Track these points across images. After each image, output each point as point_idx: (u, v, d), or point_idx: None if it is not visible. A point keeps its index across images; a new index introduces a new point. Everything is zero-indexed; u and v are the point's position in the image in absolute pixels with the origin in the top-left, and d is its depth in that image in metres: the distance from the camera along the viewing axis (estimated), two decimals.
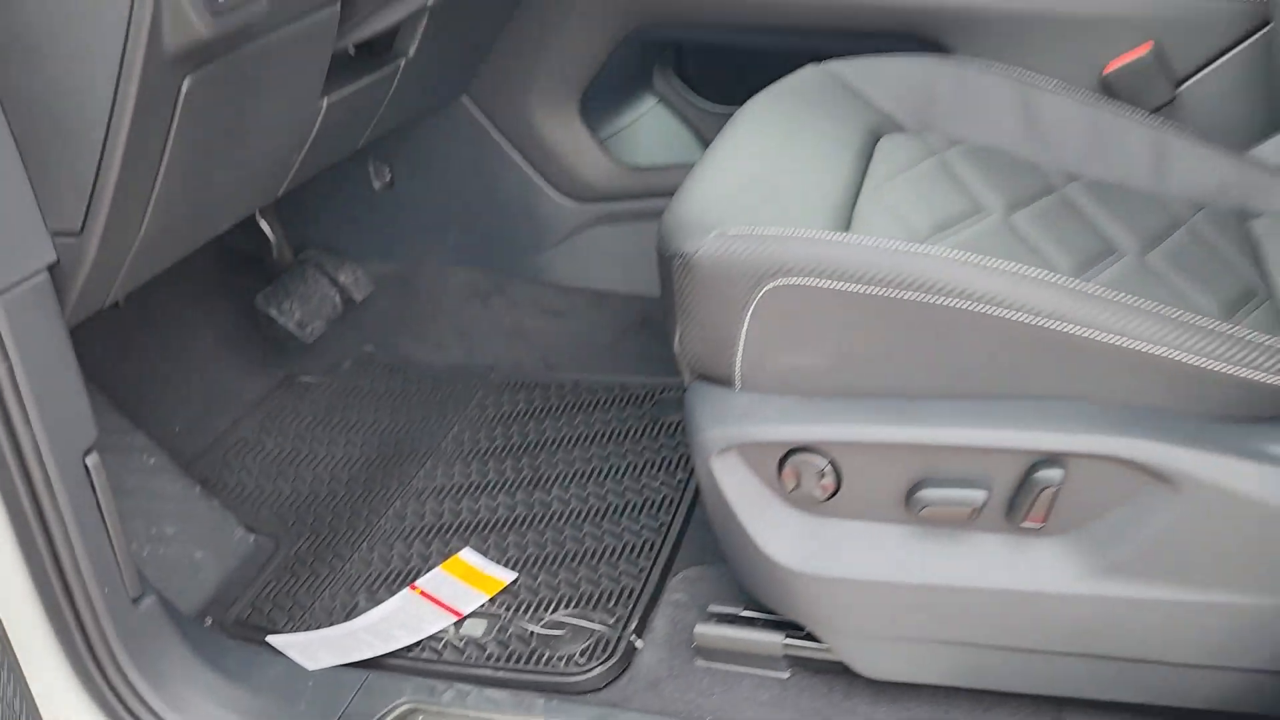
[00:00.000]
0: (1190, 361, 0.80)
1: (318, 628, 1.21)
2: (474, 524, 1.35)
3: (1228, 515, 0.79)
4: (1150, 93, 1.29)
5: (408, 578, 1.28)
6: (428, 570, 1.29)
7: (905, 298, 0.83)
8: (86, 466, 0.89)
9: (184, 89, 0.84)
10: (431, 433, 1.54)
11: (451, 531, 1.35)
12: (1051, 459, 0.82)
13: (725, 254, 0.89)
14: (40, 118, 0.81)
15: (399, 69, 1.28)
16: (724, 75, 1.76)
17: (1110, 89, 1.30)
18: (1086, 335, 0.81)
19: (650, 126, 1.71)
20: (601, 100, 1.63)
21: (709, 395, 0.94)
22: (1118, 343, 0.81)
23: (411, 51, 1.29)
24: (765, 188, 1.02)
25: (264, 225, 1.55)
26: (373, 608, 1.24)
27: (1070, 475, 0.82)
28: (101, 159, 0.82)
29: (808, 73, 1.29)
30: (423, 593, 1.25)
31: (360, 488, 1.45)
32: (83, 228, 0.86)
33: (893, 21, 1.38)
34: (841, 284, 0.85)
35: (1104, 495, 0.82)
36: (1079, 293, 0.83)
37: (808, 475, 0.89)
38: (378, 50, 1.28)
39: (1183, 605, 0.82)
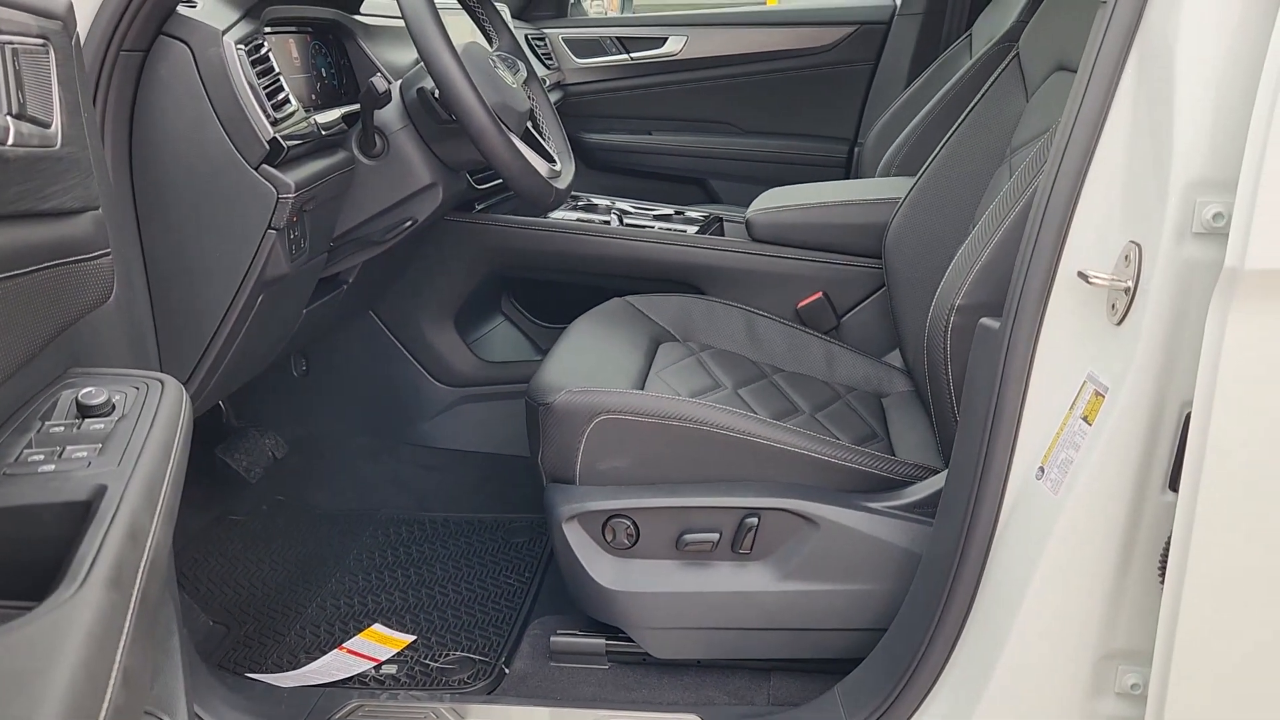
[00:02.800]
0: (828, 459, 1.50)
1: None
2: (380, 610, 1.88)
3: (845, 540, 1.47)
4: (824, 321, 2.07)
5: (336, 643, 1.79)
6: (350, 638, 1.80)
7: (677, 425, 1.50)
8: None
9: (260, 299, 1.44)
10: (337, 554, 2.06)
11: (362, 615, 1.87)
12: (752, 512, 1.49)
13: (570, 402, 1.54)
14: (179, 312, 1.39)
15: (342, 292, 1.91)
16: (550, 303, 2.47)
17: (800, 318, 2.07)
18: (772, 445, 1.50)
19: (500, 335, 2.39)
20: (469, 316, 2.29)
21: (560, 489, 1.57)
22: (790, 449, 1.50)
23: (350, 280, 1.92)
24: (593, 367, 1.69)
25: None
26: (313, 662, 1.74)
27: (763, 522, 1.49)
28: (211, 339, 1.40)
29: (614, 303, 2.00)
30: (349, 650, 1.76)
31: (287, 590, 1.94)
32: (187, 381, 1.42)
33: (665, 272, 2.12)
34: (641, 418, 1.51)
35: (782, 533, 1.49)
36: (769, 423, 1.52)
37: (619, 531, 1.52)
38: (330, 281, 1.91)
39: (825, 593, 1.49)
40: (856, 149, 3.11)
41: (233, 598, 1.92)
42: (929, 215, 1.89)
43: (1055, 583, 1.16)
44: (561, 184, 1.81)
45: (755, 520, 1.48)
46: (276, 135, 1.34)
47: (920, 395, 1.83)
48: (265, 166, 1.33)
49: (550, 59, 3.21)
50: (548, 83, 3.04)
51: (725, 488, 1.51)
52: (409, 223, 1.73)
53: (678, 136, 3.24)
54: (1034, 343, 1.19)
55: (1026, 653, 1.20)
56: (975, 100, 1.90)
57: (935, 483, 1.49)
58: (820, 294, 2.06)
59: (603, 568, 1.53)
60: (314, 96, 1.69)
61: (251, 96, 1.31)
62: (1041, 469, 1.19)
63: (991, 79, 1.90)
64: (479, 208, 2.15)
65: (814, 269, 2.07)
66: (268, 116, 1.34)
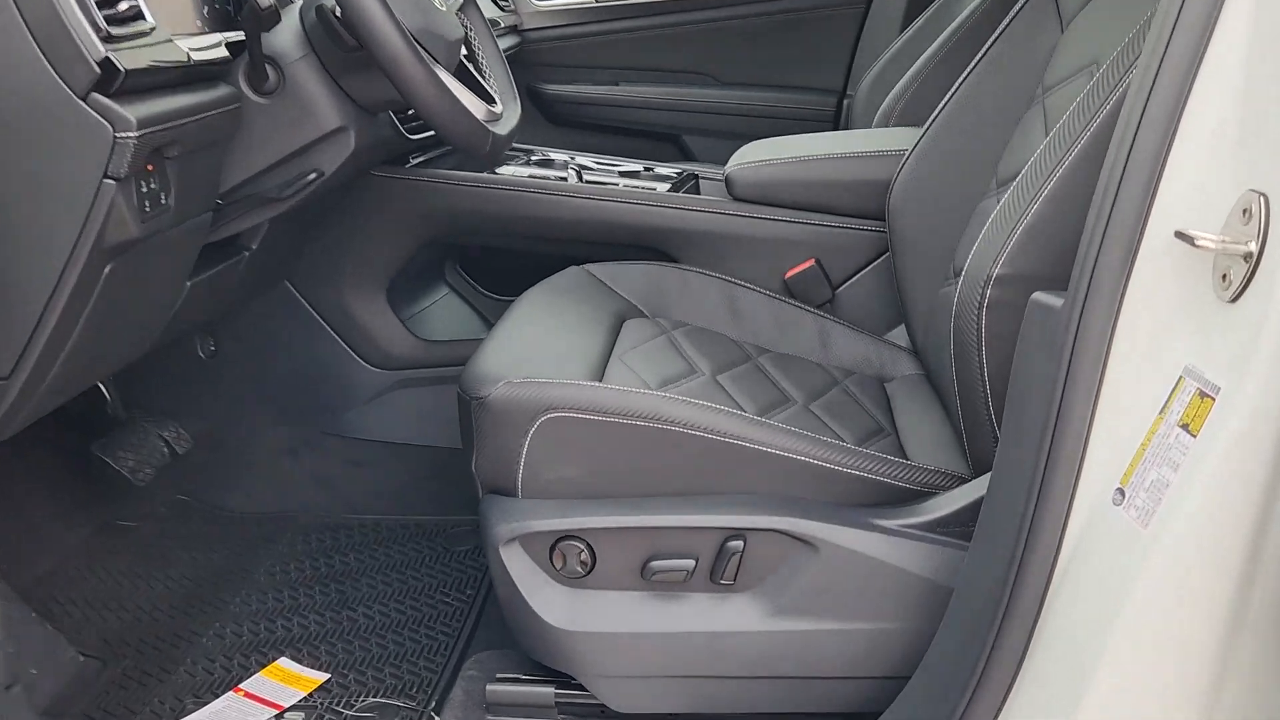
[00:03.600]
0: (829, 466, 1.21)
1: None
2: (289, 639, 1.58)
3: (851, 567, 1.18)
4: (816, 293, 1.77)
5: (230, 683, 1.49)
6: (249, 676, 1.50)
7: (639, 425, 1.20)
8: None
9: (106, 271, 1.12)
10: (245, 567, 1.75)
11: (269, 645, 1.56)
12: (736, 534, 1.19)
13: (510, 396, 1.23)
14: None
15: (243, 260, 1.59)
16: (501, 272, 2.16)
17: (789, 290, 1.78)
18: (761, 449, 1.21)
19: (443, 310, 2.07)
20: (405, 288, 1.98)
21: (498, 503, 1.26)
22: (782, 454, 1.20)
23: (254, 246, 1.60)
24: (540, 351, 1.38)
25: (100, 385, 1.76)
26: (199, 710, 1.44)
27: (749, 545, 1.19)
28: (39, 322, 1.08)
29: (571, 272, 1.69)
30: (246, 693, 1.46)
31: (181, 614, 1.64)
32: (11, 373, 1.11)
33: (631, 237, 1.81)
34: (596, 416, 1.21)
35: (771, 558, 1.20)
36: (756, 421, 1.23)
37: (571, 557, 1.22)
38: (227, 247, 1.59)
39: (827, 633, 1.20)
40: (846, 101, 2.81)
41: (113, 625, 1.61)
42: (941, 169, 1.59)
43: (1143, 643, 0.88)
44: (502, 129, 1.50)
45: (740, 544, 1.19)
46: (111, 55, 1.02)
47: (932, 380, 1.54)
48: (97, 96, 1.02)
49: (506, 1, 2.88)
50: (502, 25, 2.71)
51: (703, 503, 1.21)
52: (314, 175, 1.42)
53: (649, 88, 2.92)
54: (1112, 325, 0.90)
55: None
56: (995, 35, 1.60)
57: (963, 495, 1.20)
58: (812, 262, 1.76)
59: (550, 601, 1.24)
60: (200, 22, 1.36)
61: (74, 1, 0.99)
62: (1121, 491, 0.90)
63: (1016, 9, 1.59)
64: (414, 161, 1.83)
65: (805, 233, 1.77)
66: (98, 31, 1.02)
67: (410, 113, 1.72)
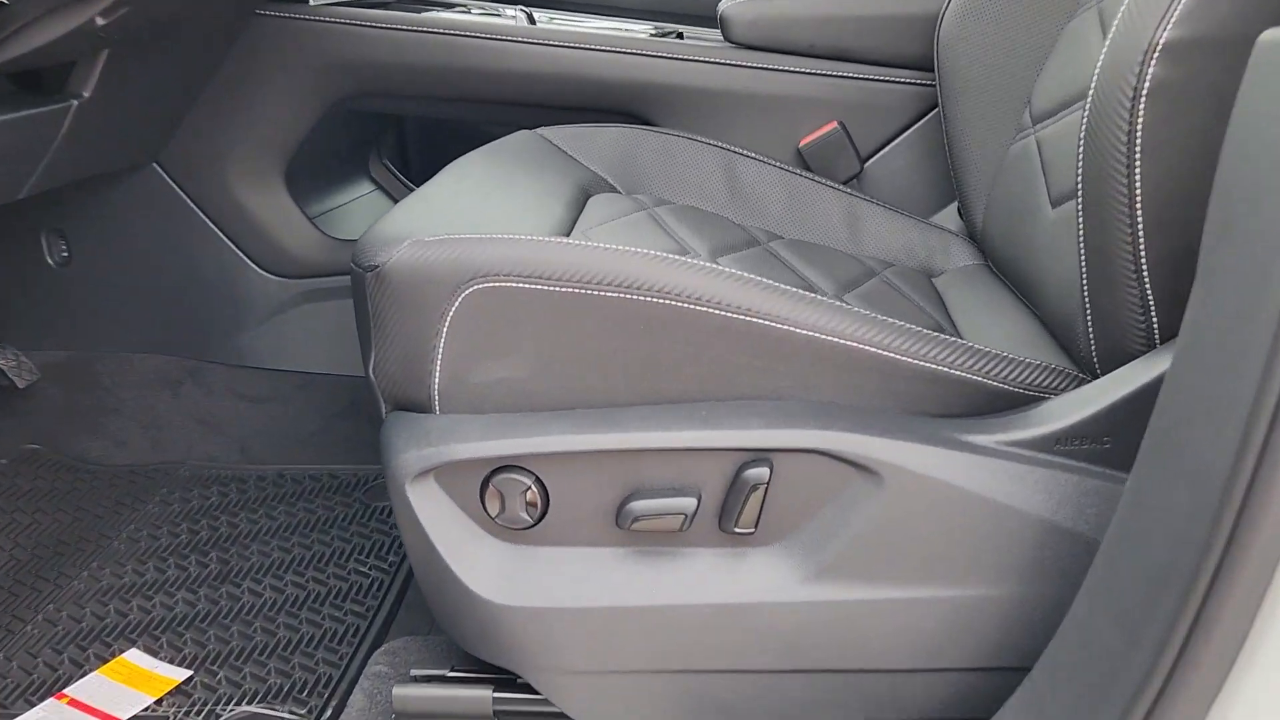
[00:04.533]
0: (889, 356, 0.81)
1: None
2: (144, 624, 1.17)
3: (931, 504, 0.78)
4: (841, 165, 1.37)
5: (55, 687, 1.08)
6: (81, 677, 1.09)
7: (607, 295, 0.80)
8: None
9: None
10: (101, 532, 1.34)
11: (115, 633, 1.16)
12: (758, 457, 0.79)
13: (419, 260, 0.83)
14: None
15: (70, 110, 1.16)
16: (437, 156, 1.74)
17: (805, 161, 1.37)
18: (787, 330, 0.80)
19: (364, 209, 1.65)
20: (315, 179, 1.56)
21: (406, 421, 0.86)
22: (820, 338, 0.80)
23: (87, 93, 1.18)
24: (468, 215, 0.97)
25: None
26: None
27: (777, 473, 0.79)
28: None
29: (519, 135, 1.28)
30: (72, 700, 1.05)
31: (14, 592, 1.22)
32: None
33: (600, 96, 1.40)
34: (542, 284, 0.80)
35: (812, 494, 0.80)
36: (778, 289, 0.82)
37: (512, 497, 0.82)
38: (48, 88, 1.16)
39: (894, 604, 0.80)
40: None
41: None
42: None
43: None
44: None
45: (764, 471, 0.79)
46: None
47: (1002, 268, 1.14)
48: None
49: None
50: None
51: (708, 413, 0.81)
52: None
53: None
54: None
55: None
56: None
57: (1091, 397, 0.80)
58: (835, 124, 1.36)
59: (482, 563, 0.83)
60: None
61: None
62: None
63: None
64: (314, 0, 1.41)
65: (824, 88, 1.37)
66: None
67: None
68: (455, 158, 1.21)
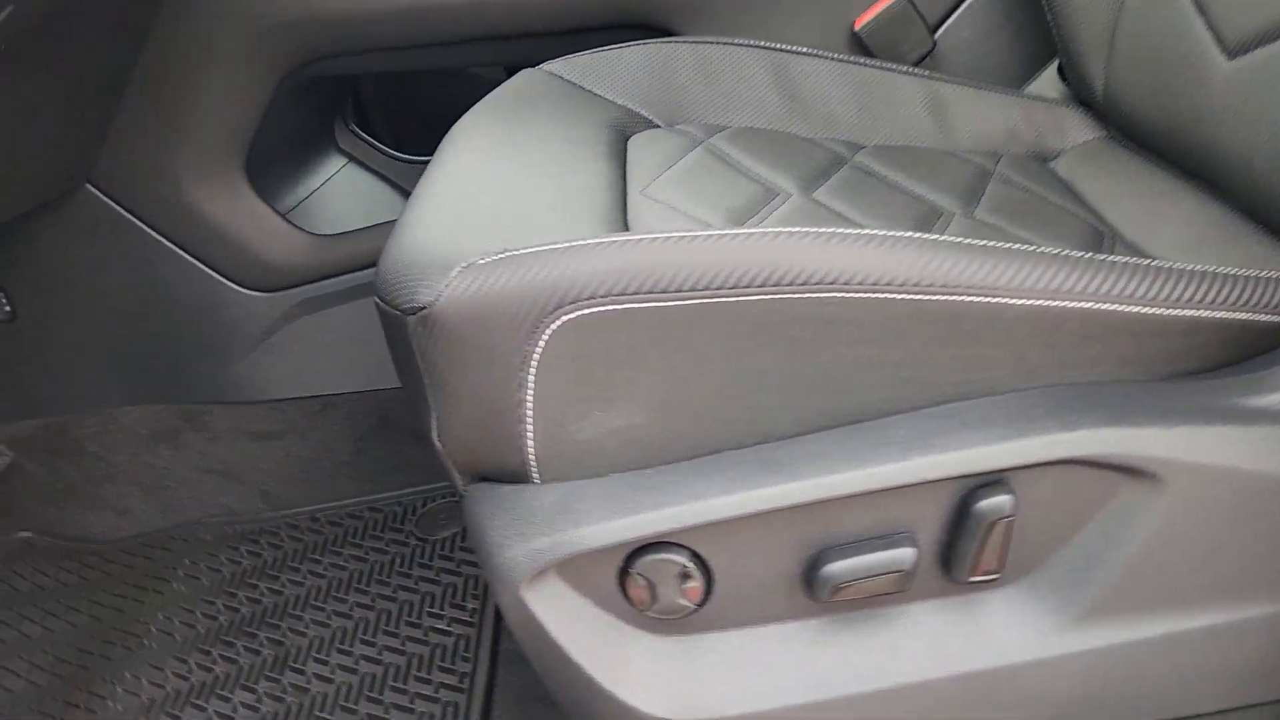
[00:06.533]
0: (1137, 312, 0.60)
1: None
2: None
3: (1223, 502, 0.59)
4: (909, 44, 1.13)
5: None
6: None
7: (749, 299, 0.58)
8: None
9: None
10: (127, 630, 1.14)
11: None
12: (992, 480, 0.59)
13: (480, 292, 0.61)
14: None
15: None
16: (414, 122, 1.49)
17: (865, 46, 1.14)
18: (1000, 304, 0.59)
19: (341, 189, 1.41)
20: (281, 167, 1.31)
21: (498, 499, 0.65)
22: (1045, 305, 0.59)
23: None
24: (510, 207, 0.75)
25: None
26: None
27: (1022, 498, 0.59)
28: None
29: (523, 77, 1.04)
30: None
31: (35, 715, 1.03)
32: None
33: (608, 9, 1.15)
34: (656, 299, 0.59)
35: (1064, 516, 0.60)
36: (973, 247, 0.60)
37: (665, 582, 0.62)
38: None
39: (1191, 635, 0.61)
40: None
41: None
42: None
43: None
44: None
45: (1005, 498, 0.59)
46: None
47: (1149, 141, 0.93)
48: None
49: None
50: None
51: (905, 432, 0.60)
52: None
53: None
54: None
55: None
56: None
57: None
58: None
59: (636, 671, 0.63)
60: None
61: None
62: None
63: None
64: None
65: None
66: None
67: None
68: (437, 113, 0.97)
